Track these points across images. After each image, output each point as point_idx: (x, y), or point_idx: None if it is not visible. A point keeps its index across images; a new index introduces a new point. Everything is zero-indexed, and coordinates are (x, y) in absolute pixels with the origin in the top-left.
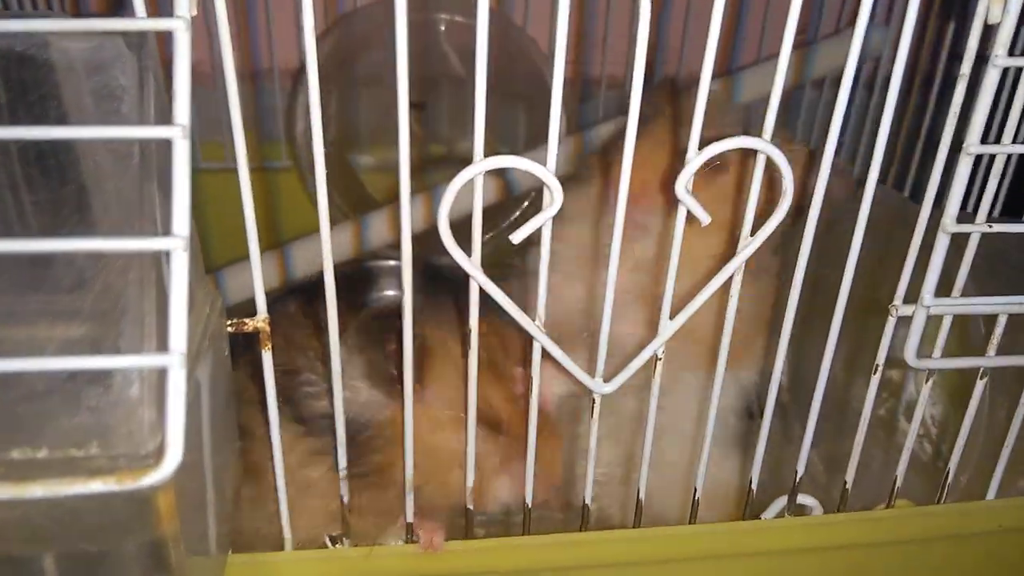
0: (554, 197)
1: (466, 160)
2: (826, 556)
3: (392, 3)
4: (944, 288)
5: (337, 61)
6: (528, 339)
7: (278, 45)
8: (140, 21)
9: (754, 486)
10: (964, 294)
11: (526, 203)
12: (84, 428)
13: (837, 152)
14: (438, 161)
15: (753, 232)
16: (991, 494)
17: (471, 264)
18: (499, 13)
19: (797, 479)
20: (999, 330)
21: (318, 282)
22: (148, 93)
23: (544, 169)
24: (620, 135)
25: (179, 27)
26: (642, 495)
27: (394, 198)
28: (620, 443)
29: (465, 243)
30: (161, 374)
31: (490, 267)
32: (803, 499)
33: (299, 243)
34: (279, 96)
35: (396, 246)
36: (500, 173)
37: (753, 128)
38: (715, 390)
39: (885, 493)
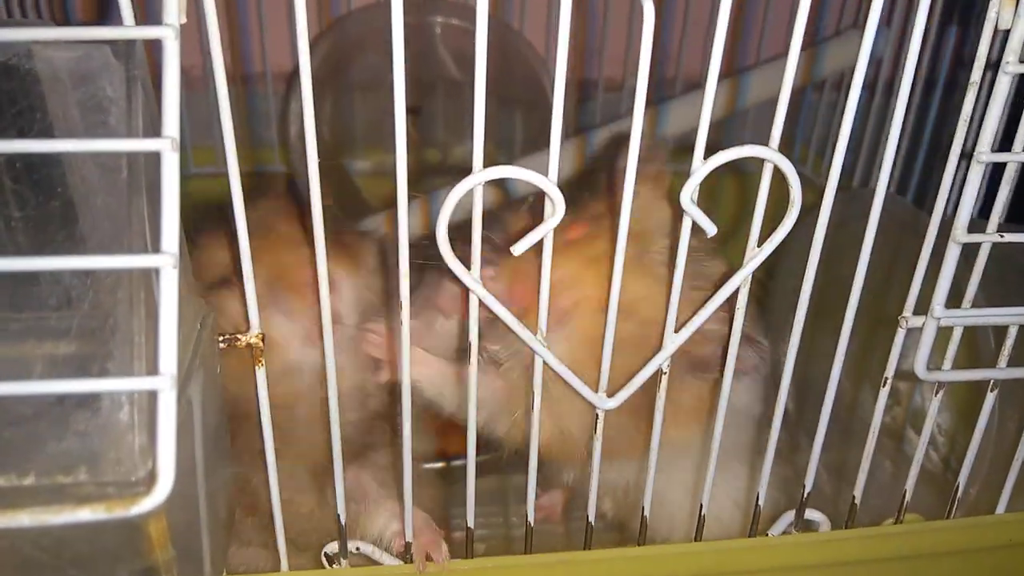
0: (556, 207)
1: (462, 165)
2: (834, 573)
3: (387, 6)
4: (953, 298)
5: (331, 65)
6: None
7: (271, 48)
8: (128, 29)
9: (761, 501)
10: (973, 303)
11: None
12: (72, 453)
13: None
14: (435, 166)
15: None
16: (1001, 508)
17: (471, 278)
18: (495, 17)
19: (805, 495)
20: (1010, 341)
21: None
22: (136, 104)
23: (546, 180)
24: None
25: (168, 35)
26: (647, 512)
27: (391, 204)
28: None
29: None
30: (151, 396)
31: None
32: (811, 514)
33: None
34: (272, 100)
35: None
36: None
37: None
38: (721, 402)
39: (892, 503)
